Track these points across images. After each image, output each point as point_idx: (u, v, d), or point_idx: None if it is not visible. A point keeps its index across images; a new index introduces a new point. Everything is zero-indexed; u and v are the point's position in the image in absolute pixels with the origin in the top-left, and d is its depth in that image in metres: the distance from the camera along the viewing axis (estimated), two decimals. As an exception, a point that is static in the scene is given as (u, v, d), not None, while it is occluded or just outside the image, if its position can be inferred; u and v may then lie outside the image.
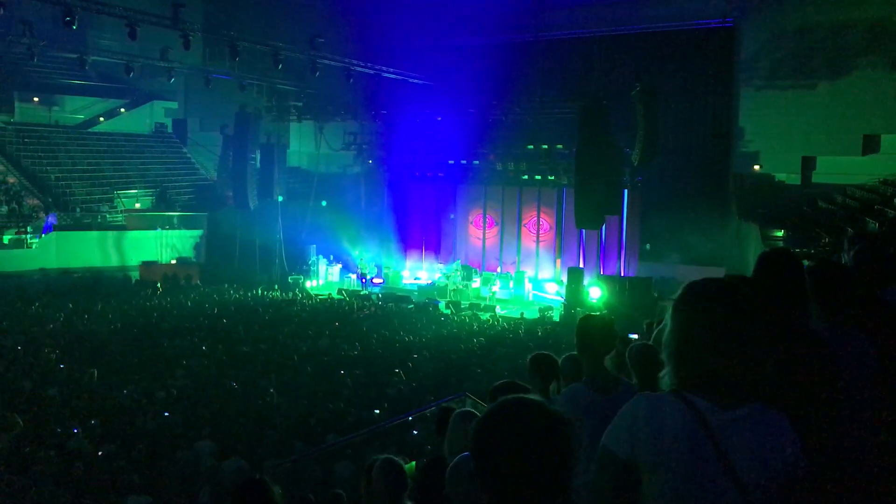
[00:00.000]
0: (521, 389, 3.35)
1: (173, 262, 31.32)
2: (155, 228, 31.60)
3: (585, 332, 4.17)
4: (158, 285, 27.18)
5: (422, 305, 25.85)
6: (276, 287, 28.86)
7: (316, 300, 26.73)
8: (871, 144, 24.22)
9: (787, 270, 3.06)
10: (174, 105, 40.23)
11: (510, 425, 1.81)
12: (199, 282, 29.67)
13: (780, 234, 21.28)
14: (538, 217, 30.49)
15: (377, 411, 12.94)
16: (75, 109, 38.67)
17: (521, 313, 24.81)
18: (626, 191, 26.66)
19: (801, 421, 2.28)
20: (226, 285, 28.17)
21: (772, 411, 2.22)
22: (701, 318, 2.23)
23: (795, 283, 3.03)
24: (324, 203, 33.02)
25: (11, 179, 31.30)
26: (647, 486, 2.20)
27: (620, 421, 2.25)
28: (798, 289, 3.02)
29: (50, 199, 30.86)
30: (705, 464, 2.12)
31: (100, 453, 10.86)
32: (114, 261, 30.46)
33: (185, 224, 32.78)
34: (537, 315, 24.67)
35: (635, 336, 7.68)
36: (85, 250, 29.54)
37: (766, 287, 2.97)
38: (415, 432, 11.37)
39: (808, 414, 2.64)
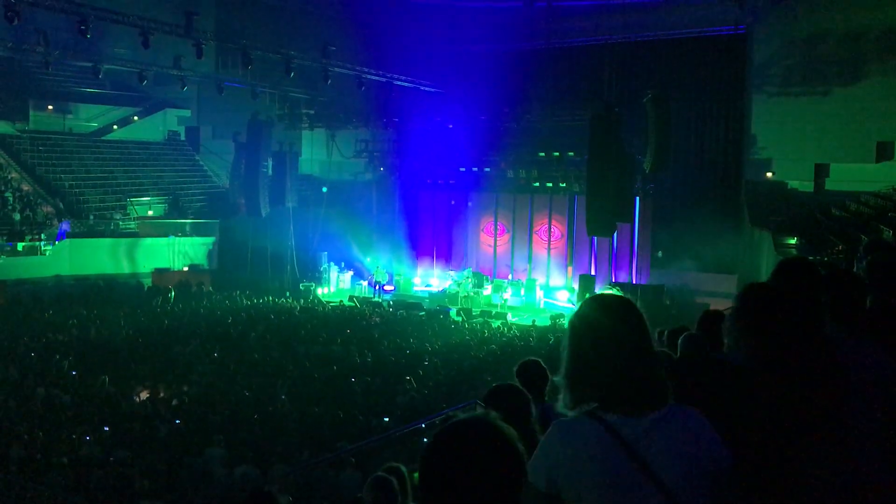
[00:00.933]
0: (519, 393, 3.34)
1: (185, 269, 31.44)
2: (167, 236, 31.74)
3: None
4: (171, 293, 27.21)
5: (433, 313, 25.83)
6: (288, 294, 28.89)
7: (327, 307, 26.75)
8: (884, 151, 24.07)
9: (804, 278, 3.05)
10: (187, 113, 40.42)
11: (457, 449, 1.67)
12: (210, 289, 29.76)
13: (793, 241, 21.12)
14: (549, 224, 30.45)
15: (386, 419, 12.93)
16: (89, 117, 38.86)
17: (533, 321, 24.76)
18: (637, 198, 26.61)
19: (808, 429, 2.27)
20: (237, 292, 28.23)
21: (686, 409, 2.24)
22: (591, 332, 2.26)
23: (812, 292, 3.01)
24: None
25: (26, 187, 31.53)
26: None
27: (538, 453, 2.24)
28: (815, 297, 3.00)
29: (63, 207, 31.05)
30: (627, 477, 2.13)
31: (111, 459, 10.89)
32: (126, 268, 30.59)
33: (198, 231, 32.91)
34: (549, 322, 24.61)
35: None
36: (98, 257, 29.69)
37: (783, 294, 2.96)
38: (425, 440, 11.34)
39: (816, 424, 2.62)
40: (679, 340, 5.13)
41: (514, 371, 4.89)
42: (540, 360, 4.94)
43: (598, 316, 2.28)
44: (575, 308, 2.38)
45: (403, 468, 4.27)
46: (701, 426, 2.21)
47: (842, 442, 2.73)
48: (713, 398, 2.53)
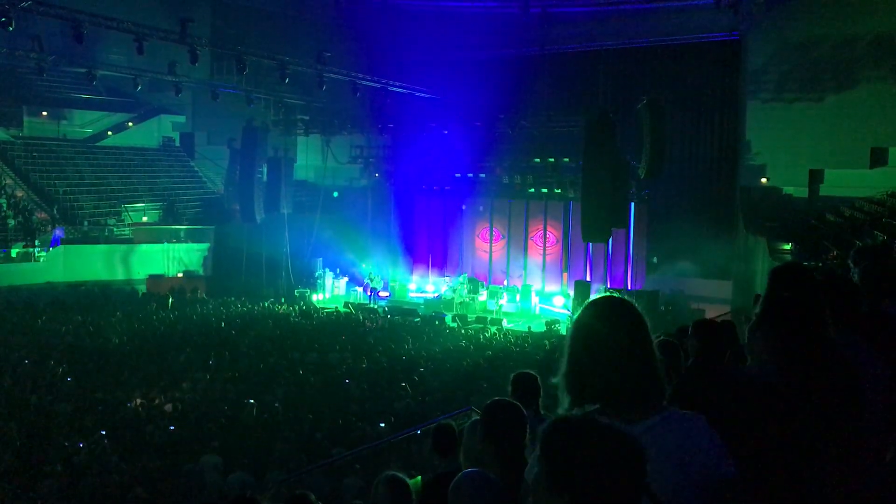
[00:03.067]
0: (515, 407, 3.32)
1: (180, 275, 31.37)
2: (162, 242, 31.69)
3: None
4: (170, 300, 27.12)
5: (428, 319, 25.81)
6: (283, 300, 28.85)
7: (322, 313, 26.70)
8: (878, 157, 24.13)
9: (801, 284, 3.04)
10: (182, 119, 40.40)
11: (593, 448, 1.71)
12: (205, 295, 29.68)
13: (788, 247, 21.14)
14: (545, 230, 30.47)
15: (382, 424, 12.90)
16: (83, 123, 38.80)
17: (529, 327, 24.76)
18: (632, 204, 26.62)
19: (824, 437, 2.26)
20: (232, 298, 28.17)
21: (685, 415, 2.22)
22: (589, 336, 2.24)
23: (810, 297, 3.00)
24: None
25: (19, 193, 31.45)
26: None
27: (534, 455, 2.22)
28: (813, 302, 3.00)
29: (57, 213, 30.98)
30: None
31: (105, 466, 10.84)
32: (121, 274, 30.52)
33: (192, 237, 32.87)
34: (544, 328, 24.59)
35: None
36: (92, 264, 29.62)
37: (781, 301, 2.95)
38: (429, 441, 11.29)
39: (831, 430, 2.62)
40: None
41: (509, 383, 4.87)
42: (533, 372, 4.92)
43: (597, 318, 2.27)
44: (572, 313, 2.36)
45: (402, 475, 4.24)
46: (703, 434, 2.19)
47: (855, 454, 2.72)
48: (727, 410, 2.51)
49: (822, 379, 2.74)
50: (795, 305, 2.94)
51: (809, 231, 21.92)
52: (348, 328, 23.69)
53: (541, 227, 30.57)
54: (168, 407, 14.17)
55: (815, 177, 25.40)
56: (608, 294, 2.39)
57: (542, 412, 4.64)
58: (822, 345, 2.85)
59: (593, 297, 2.38)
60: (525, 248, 30.90)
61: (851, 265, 4.16)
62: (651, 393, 2.22)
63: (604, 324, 2.25)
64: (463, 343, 21.89)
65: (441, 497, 3.16)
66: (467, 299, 28.35)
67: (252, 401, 14.51)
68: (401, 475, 4.17)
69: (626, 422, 2.16)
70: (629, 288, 26.84)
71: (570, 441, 1.71)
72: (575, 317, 2.34)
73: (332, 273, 31.83)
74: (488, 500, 2.91)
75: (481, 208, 31.92)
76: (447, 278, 30.87)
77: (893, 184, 22.16)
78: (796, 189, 26.02)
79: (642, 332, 2.26)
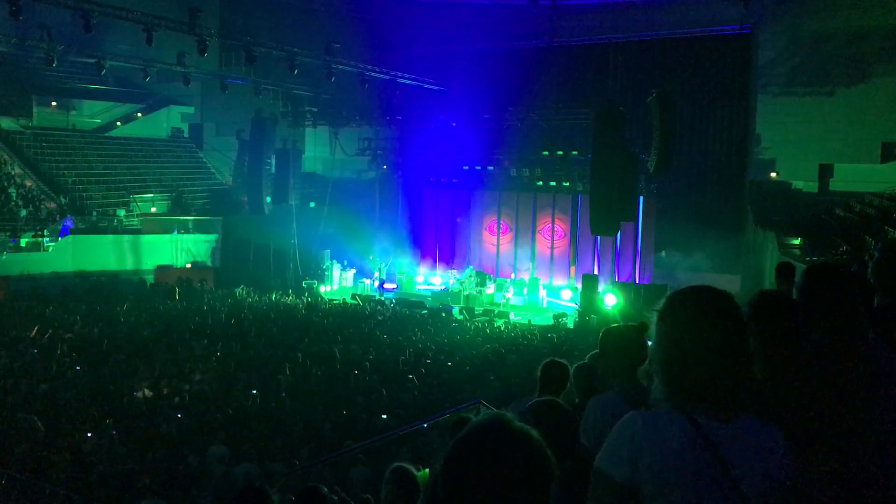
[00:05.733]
0: (564, 410, 3.26)
1: (188, 266, 31.45)
2: (170, 232, 31.74)
3: (620, 341, 4.03)
4: (177, 291, 27.16)
5: (435, 311, 25.80)
6: (290, 292, 28.88)
7: (330, 305, 26.73)
8: (889, 152, 24.03)
9: (832, 286, 2.98)
10: (190, 110, 40.38)
11: (479, 456, 1.59)
12: (213, 286, 29.74)
13: (797, 242, 21.08)
14: (553, 223, 30.40)
15: (385, 416, 12.90)
16: (93, 114, 38.84)
17: (529, 320, 24.77)
18: (641, 197, 26.55)
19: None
20: (240, 289, 28.22)
21: (766, 424, 2.18)
22: (689, 328, 2.16)
23: (848, 299, 2.94)
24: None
25: (29, 183, 31.53)
26: None
27: (616, 441, 2.15)
28: (851, 305, 2.94)
29: (66, 203, 31.05)
30: (711, 481, 2.07)
31: (113, 457, 10.88)
32: (129, 264, 30.59)
33: (200, 228, 32.91)
34: (551, 322, 24.57)
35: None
36: (101, 254, 29.69)
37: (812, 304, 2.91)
38: (429, 438, 11.31)
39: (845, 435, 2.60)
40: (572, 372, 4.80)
41: (538, 372, 4.84)
42: (564, 361, 4.88)
43: (699, 309, 2.18)
44: (666, 302, 2.28)
45: (409, 466, 4.24)
46: (778, 442, 2.16)
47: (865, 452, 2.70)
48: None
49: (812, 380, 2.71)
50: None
51: (819, 226, 21.84)
52: (355, 320, 23.70)
53: (549, 220, 30.49)
54: (175, 398, 14.20)
55: (825, 171, 25.31)
56: (710, 287, 2.31)
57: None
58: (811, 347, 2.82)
59: (691, 286, 2.30)
60: (533, 241, 30.83)
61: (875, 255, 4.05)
62: (742, 395, 2.16)
63: (703, 318, 2.16)
64: (470, 336, 21.89)
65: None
66: (474, 292, 28.32)
67: (255, 392, 14.55)
68: (408, 466, 4.17)
69: (719, 419, 2.13)
70: (637, 282, 26.77)
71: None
72: (667, 306, 2.25)
73: (339, 265, 31.84)
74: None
75: (489, 201, 31.86)
76: (454, 271, 30.84)
77: (904, 179, 22.07)
78: (806, 183, 25.93)
79: (740, 329, 2.18)
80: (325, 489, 4.18)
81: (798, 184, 26.28)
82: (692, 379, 2.14)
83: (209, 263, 32.52)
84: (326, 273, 31.36)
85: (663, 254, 28.16)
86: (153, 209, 34.08)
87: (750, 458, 2.10)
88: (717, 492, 2.07)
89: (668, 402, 2.18)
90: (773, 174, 26.76)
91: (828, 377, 2.74)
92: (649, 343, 2.34)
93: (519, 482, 1.57)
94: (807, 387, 2.72)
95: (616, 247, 27.68)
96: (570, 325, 24.15)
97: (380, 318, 24.25)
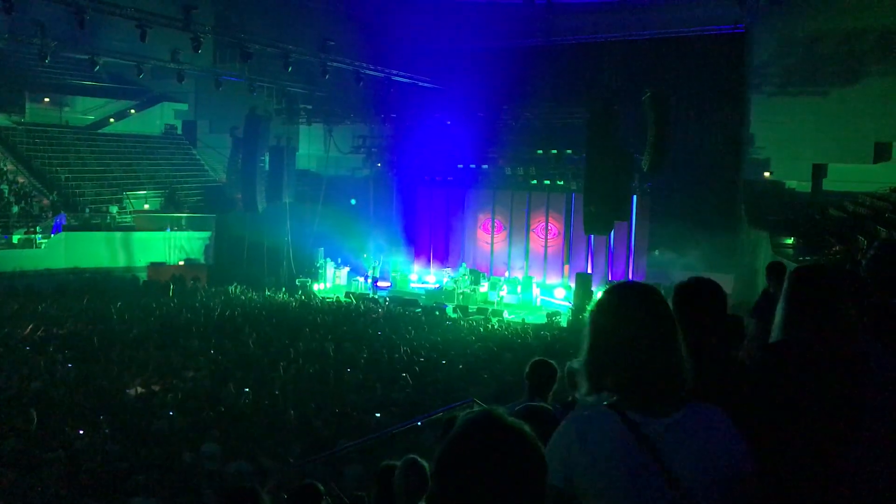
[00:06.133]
0: (550, 415, 3.26)
1: (181, 263, 31.36)
2: (163, 230, 31.66)
3: None
4: (171, 288, 27.09)
5: (429, 309, 25.79)
6: (284, 289, 28.84)
7: (323, 303, 26.70)
8: (882, 152, 24.10)
9: (817, 287, 2.97)
10: (184, 107, 40.29)
11: (473, 452, 1.59)
12: (206, 283, 29.68)
13: (791, 241, 21.15)
14: (547, 222, 30.43)
15: (378, 414, 12.89)
16: (86, 110, 38.72)
17: (523, 318, 24.79)
18: (635, 196, 26.56)
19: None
20: (234, 287, 28.16)
21: (710, 410, 2.15)
22: (613, 323, 2.16)
23: (828, 300, 2.93)
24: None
25: (21, 179, 31.42)
26: None
27: (553, 448, 2.13)
28: (832, 305, 2.93)
29: (59, 200, 30.94)
30: (647, 478, 2.05)
31: (105, 453, 10.83)
32: (122, 261, 30.52)
33: (194, 225, 32.84)
34: (545, 320, 24.59)
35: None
36: (93, 251, 29.62)
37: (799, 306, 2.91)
38: (425, 437, 11.30)
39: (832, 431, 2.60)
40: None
41: (527, 368, 4.84)
42: (552, 361, 4.89)
43: (623, 303, 2.19)
44: (573, 302, 2.30)
45: (421, 460, 4.25)
46: (724, 426, 2.14)
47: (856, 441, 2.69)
48: (734, 400, 2.47)
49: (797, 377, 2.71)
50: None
51: (812, 226, 21.92)
52: (349, 318, 23.68)
53: (543, 218, 30.52)
54: (168, 395, 14.16)
55: (819, 171, 25.38)
56: (632, 281, 2.32)
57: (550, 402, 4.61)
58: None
59: (618, 281, 2.30)
60: (527, 240, 30.86)
61: (871, 255, 4.04)
62: (673, 387, 2.14)
63: (633, 307, 2.17)
64: (463, 334, 21.89)
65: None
66: (468, 290, 28.33)
67: (248, 389, 14.52)
68: (421, 460, 4.17)
69: (651, 413, 2.11)
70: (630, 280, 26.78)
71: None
72: (596, 301, 2.26)
73: (333, 263, 31.81)
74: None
75: (483, 199, 31.87)
76: (448, 269, 30.84)
77: (897, 179, 22.15)
78: (799, 183, 26.00)
79: (667, 322, 2.17)
80: (321, 486, 4.18)
81: (791, 183, 26.35)
82: (619, 370, 2.13)
83: (202, 261, 32.45)
84: (320, 271, 31.32)
85: (657, 253, 28.20)
86: (146, 206, 33.99)
87: (693, 452, 2.07)
88: (655, 488, 2.04)
89: (592, 399, 2.16)
90: (767, 174, 26.82)
91: (812, 380, 2.74)
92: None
93: (514, 476, 1.57)
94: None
95: (610, 246, 27.71)
96: (564, 324, 24.16)
97: (374, 316, 24.23)
